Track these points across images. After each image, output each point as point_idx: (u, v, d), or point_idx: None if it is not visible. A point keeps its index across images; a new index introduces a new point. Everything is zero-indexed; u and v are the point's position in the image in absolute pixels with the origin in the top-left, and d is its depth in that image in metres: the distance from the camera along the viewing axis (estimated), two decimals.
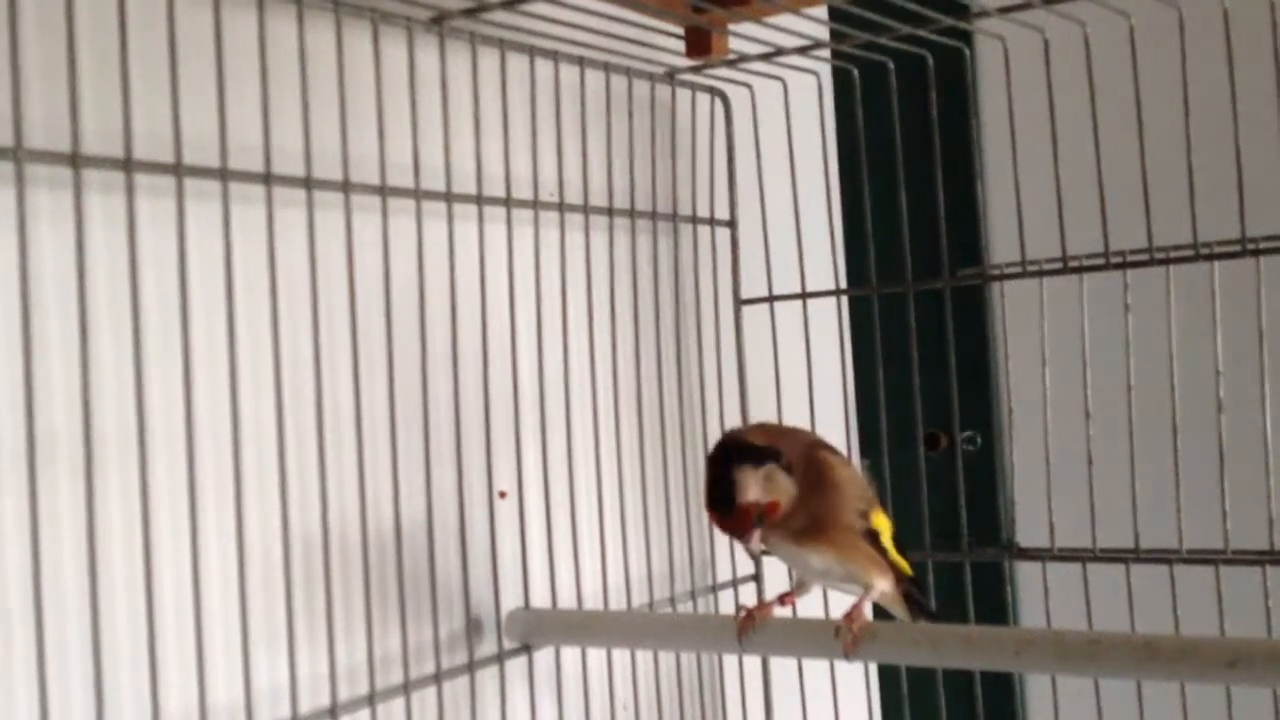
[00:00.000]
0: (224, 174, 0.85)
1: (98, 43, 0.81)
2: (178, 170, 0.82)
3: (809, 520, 0.98)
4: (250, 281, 0.88)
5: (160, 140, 0.83)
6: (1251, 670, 0.83)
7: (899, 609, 1.07)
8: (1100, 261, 1.20)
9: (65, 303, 0.79)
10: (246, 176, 0.86)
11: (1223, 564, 1.17)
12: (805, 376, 1.31)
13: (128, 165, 0.80)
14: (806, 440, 1.03)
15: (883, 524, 1.01)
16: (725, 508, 0.93)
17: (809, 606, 1.19)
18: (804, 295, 1.33)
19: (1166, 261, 1.17)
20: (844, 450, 1.33)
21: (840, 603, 1.13)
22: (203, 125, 0.85)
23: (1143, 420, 1.19)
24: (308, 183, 0.91)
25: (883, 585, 1.01)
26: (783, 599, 1.05)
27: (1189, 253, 1.16)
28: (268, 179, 0.88)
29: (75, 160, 0.77)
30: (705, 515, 0.97)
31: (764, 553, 1.35)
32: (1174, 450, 1.17)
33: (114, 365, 0.82)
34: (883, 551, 1.01)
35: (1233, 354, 1.15)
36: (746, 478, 0.92)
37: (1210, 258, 1.16)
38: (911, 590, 1.05)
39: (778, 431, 1.03)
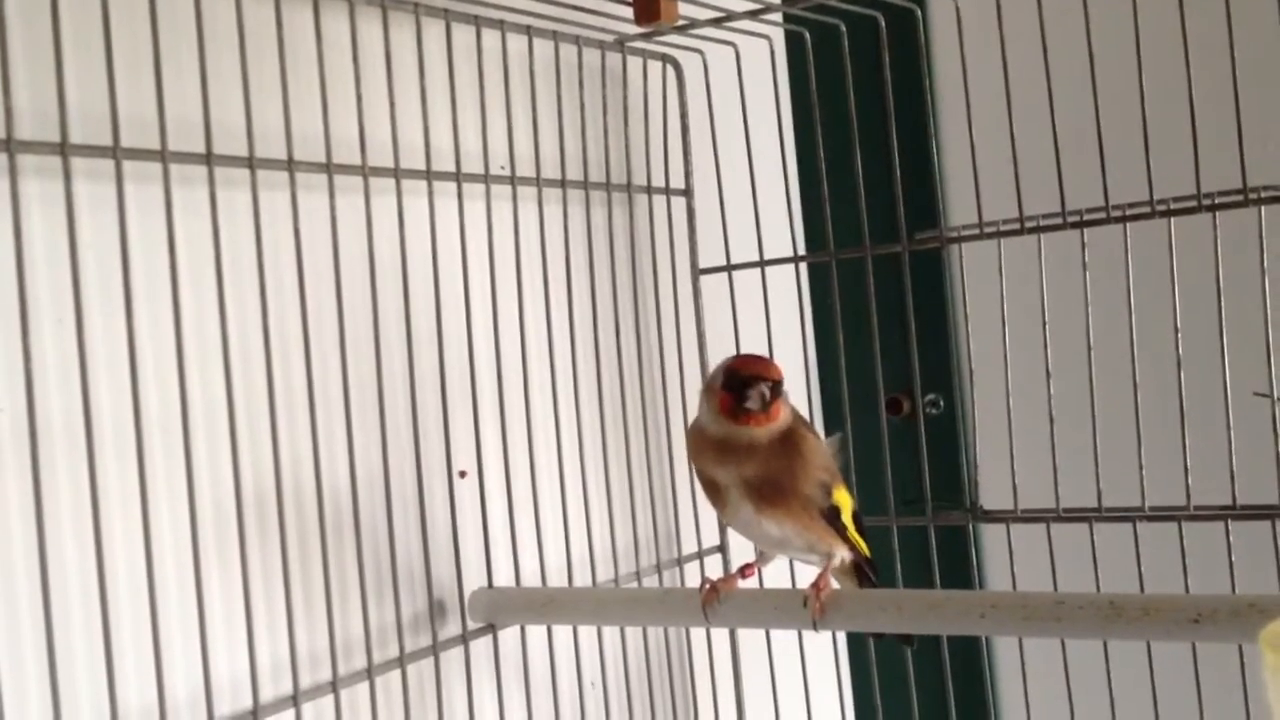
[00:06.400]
0: (164, 156, 0.83)
1: (78, 33, 0.80)
2: (163, 156, 0.82)
3: (771, 482, 0.97)
4: (196, 263, 0.86)
5: (110, 125, 0.81)
6: (1215, 626, 0.83)
7: (848, 580, 1.06)
8: (1058, 221, 1.19)
9: (56, 288, 0.79)
10: (188, 158, 0.85)
11: (1185, 520, 1.17)
12: (765, 345, 1.30)
13: (116, 152, 0.80)
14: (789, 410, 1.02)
15: (844, 500, 1.01)
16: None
17: (775, 578, 1.18)
18: (762, 263, 1.32)
19: (1123, 219, 1.17)
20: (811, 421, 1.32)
21: (806, 572, 1.12)
22: (188, 109, 0.83)
23: (1103, 379, 1.19)
24: (250, 162, 0.89)
25: (842, 554, 1.01)
26: (744, 571, 1.04)
27: (1145, 210, 1.16)
28: (208, 158, 0.86)
29: (64, 149, 0.77)
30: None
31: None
32: (1135, 408, 1.17)
33: (60, 353, 0.80)
34: (842, 529, 1.00)
35: (1191, 310, 1.15)
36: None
37: (1167, 214, 1.15)
38: (864, 565, 1.05)
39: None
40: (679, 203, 1.35)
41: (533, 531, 1.13)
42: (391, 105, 1.00)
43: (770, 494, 0.97)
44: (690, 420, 1.06)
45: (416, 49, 1.03)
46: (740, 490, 0.98)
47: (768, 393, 0.96)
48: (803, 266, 1.34)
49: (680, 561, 1.31)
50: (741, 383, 0.96)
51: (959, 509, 1.31)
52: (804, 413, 1.36)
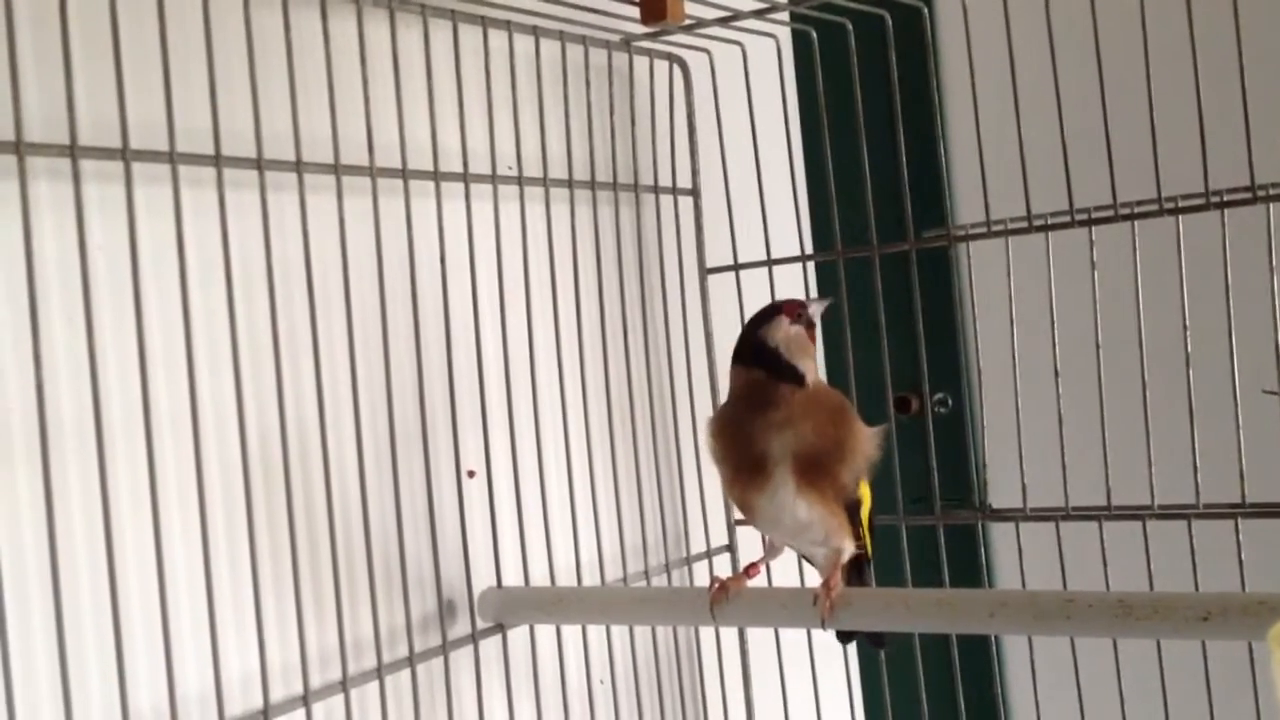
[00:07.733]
0: (173, 158, 0.83)
1: (88, 37, 0.80)
2: (172, 158, 0.82)
3: (820, 455, 0.95)
4: (205, 264, 0.87)
5: (110, 127, 0.81)
6: (1225, 624, 0.83)
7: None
8: (1065, 219, 1.19)
9: (66, 290, 0.79)
10: (197, 159, 0.85)
11: (1195, 518, 1.17)
12: None
13: (125, 154, 0.81)
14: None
15: (866, 496, 1.01)
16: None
17: (782, 578, 1.18)
18: (769, 263, 1.32)
19: (1131, 217, 1.17)
20: None
21: (813, 571, 1.12)
22: (196, 111, 0.83)
23: (1112, 377, 1.19)
24: (259, 164, 0.89)
25: (850, 550, 1.00)
26: (749, 570, 1.03)
27: (1154, 207, 1.16)
28: (217, 159, 0.86)
29: (73, 151, 0.77)
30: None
31: (740, 522, 1.35)
32: (1144, 406, 1.17)
33: (70, 354, 0.80)
34: (857, 524, 1.00)
35: (1200, 308, 1.15)
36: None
37: (1175, 211, 1.15)
38: (863, 564, 1.04)
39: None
40: (686, 202, 1.35)
41: (541, 531, 1.13)
42: (399, 107, 1.00)
43: (817, 468, 0.95)
44: (694, 416, 1.07)
45: (424, 50, 1.03)
46: (788, 466, 0.95)
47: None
48: (810, 265, 1.34)
49: (689, 561, 1.31)
50: (800, 304, 1.01)
51: (968, 508, 1.31)
52: None
